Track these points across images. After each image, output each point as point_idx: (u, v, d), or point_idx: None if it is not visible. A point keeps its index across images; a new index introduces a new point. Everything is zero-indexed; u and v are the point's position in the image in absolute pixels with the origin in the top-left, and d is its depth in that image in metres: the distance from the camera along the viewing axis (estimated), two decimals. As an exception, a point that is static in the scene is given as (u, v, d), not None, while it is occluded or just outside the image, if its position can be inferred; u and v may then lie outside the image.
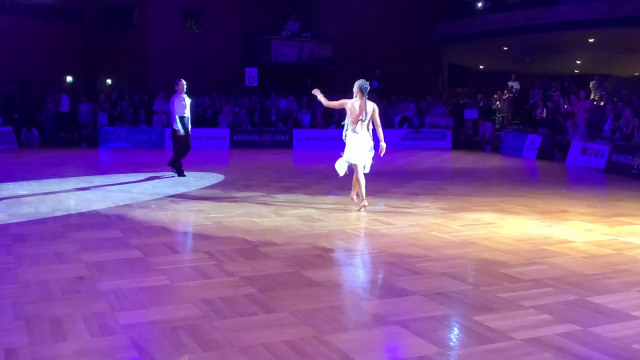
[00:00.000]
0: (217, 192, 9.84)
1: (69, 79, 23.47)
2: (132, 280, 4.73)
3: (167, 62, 23.10)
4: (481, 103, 23.75)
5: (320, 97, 8.37)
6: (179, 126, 11.38)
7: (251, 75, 22.66)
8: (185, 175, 11.61)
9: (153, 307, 4.13)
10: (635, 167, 12.82)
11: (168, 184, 10.79)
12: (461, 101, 25.32)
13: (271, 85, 23.70)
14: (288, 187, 10.36)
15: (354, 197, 8.36)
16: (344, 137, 8.12)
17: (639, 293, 4.55)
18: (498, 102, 23.92)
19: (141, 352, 3.39)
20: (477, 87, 28.87)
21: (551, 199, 9.29)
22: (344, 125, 8.20)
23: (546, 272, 5.07)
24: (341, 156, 8.13)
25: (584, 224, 7.23)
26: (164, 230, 6.71)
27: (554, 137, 17.34)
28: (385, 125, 21.82)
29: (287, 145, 20.93)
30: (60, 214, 7.58)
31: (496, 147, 19.91)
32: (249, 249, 5.82)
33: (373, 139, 8.05)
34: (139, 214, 7.67)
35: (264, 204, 8.55)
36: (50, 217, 7.36)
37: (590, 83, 21.46)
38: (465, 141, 21.64)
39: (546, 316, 3.99)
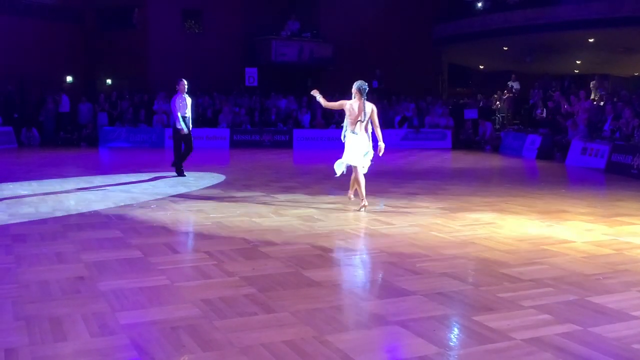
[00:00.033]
0: (217, 192, 9.84)
1: (69, 79, 23.47)
2: (132, 280, 4.73)
3: (167, 62, 23.11)
4: (481, 103, 23.76)
5: (319, 98, 8.38)
6: (182, 125, 11.39)
7: (251, 75, 22.67)
8: (185, 175, 11.61)
9: (153, 307, 4.13)
10: (635, 167, 12.82)
11: (168, 184, 10.80)
12: (461, 101, 25.33)
13: (271, 85, 23.71)
14: (288, 187, 10.36)
15: (351, 196, 8.37)
16: (342, 139, 8.13)
17: (639, 293, 4.56)
18: (498, 102, 23.92)
19: (141, 352, 3.39)
20: (477, 87, 28.89)
21: (551, 199, 9.29)
22: (343, 126, 8.21)
23: (546, 272, 5.07)
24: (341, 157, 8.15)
25: (584, 224, 7.23)
26: (164, 230, 6.71)
27: (554, 137, 17.35)
28: (385, 125, 21.94)
29: (287, 145, 20.93)
30: (61, 214, 7.58)
31: (496, 147, 19.91)
32: (249, 249, 5.82)
33: (372, 140, 8.06)
34: (139, 214, 7.67)
35: (264, 204, 8.55)
36: (51, 217, 7.37)
37: (591, 83, 21.47)
38: (465, 141, 21.65)
39: (546, 316, 3.99)
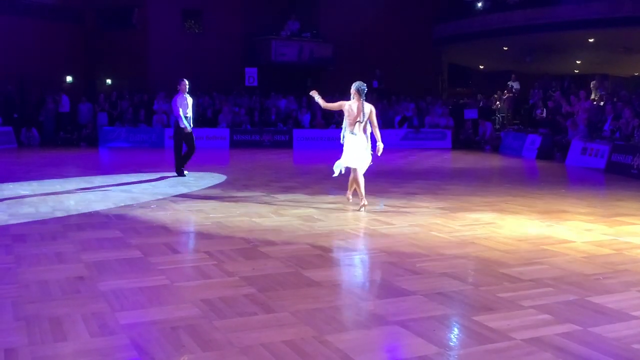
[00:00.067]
0: (217, 192, 9.84)
1: (69, 79, 23.47)
2: (132, 280, 4.73)
3: (167, 62, 23.11)
4: (481, 103, 23.76)
5: (318, 99, 8.39)
6: (186, 123, 11.41)
7: (251, 75, 22.67)
8: (185, 175, 11.61)
9: (153, 307, 4.13)
10: (635, 167, 12.82)
11: (168, 184, 10.80)
12: (461, 101, 25.34)
13: (271, 85, 23.71)
14: (288, 187, 10.36)
15: (350, 197, 8.38)
16: (342, 140, 8.14)
17: (639, 293, 4.56)
18: (498, 102, 23.92)
19: (141, 352, 3.39)
20: (477, 87, 28.88)
21: (551, 199, 9.29)
22: (343, 126, 8.22)
23: (546, 272, 5.07)
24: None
25: (584, 224, 7.23)
26: (164, 230, 6.71)
27: (553, 137, 17.35)
28: (385, 125, 21.97)
29: (287, 145, 20.93)
30: (61, 214, 7.58)
31: (496, 147, 19.91)
32: (249, 249, 5.82)
33: (371, 140, 8.08)
34: (139, 214, 7.67)
35: (264, 204, 8.55)
36: (50, 217, 7.36)
37: (591, 83, 21.47)
38: (465, 141, 21.65)
39: (546, 316, 3.99)
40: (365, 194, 8.03)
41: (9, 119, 20.39)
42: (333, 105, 8.39)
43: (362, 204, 7.98)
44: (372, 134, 8.10)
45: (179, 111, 11.37)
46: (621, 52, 23.99)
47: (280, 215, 7.65)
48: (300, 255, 5.60)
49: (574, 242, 6.24)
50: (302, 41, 25.21)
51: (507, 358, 3.36)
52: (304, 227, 6.91)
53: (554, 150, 16.85)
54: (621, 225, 7.16)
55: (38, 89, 21.35)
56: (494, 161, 17.16)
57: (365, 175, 8.16)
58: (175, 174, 11.73)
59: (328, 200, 8.82)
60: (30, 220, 7.17)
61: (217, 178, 11.62)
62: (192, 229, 7.09)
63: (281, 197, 9.22)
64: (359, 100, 7.91)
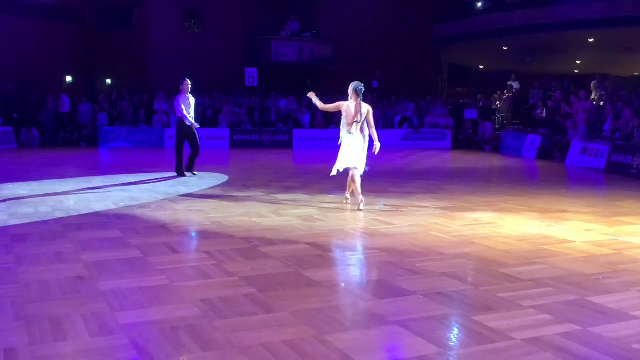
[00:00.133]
0: (217, 192, 9.84)
1: (69, 79, 23.46)
2: (131, 280, 4.73)
3: (167, 62, 23.11)
4: (481, 103, 23.76)
5: (316, 100, 8.41)
6: (192, 120, 11.44)
7: (251, 75, 22.66)
8: (185, 176, 11.61)
9: (153, 307, 4.13)
10: (635, 167, 12.82)
11: (168, 184, 10.80)
12: (461, 101, 25.34)
13: (271, 85, 23.70)
14: (288, 187, 10.36)
15: (348, 197, 8.39)
16: (340, 140, 8.17)
17: (639, 293, 4.56)
18: (498, 102, 23.92)
19: (141, 352, 3.39)
20: (477, 87, 28.90)
21: (551, 199, 9.29)
22: (339, 126, 8.27)
23: (546, 272, 5.07)
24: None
25: (583, 224, 7.23)
26: (164, 230, 6.71)
27: (553, 137, 17.35)
28: (385, 125, 21.99)
29: (287, 145, 20.93)
30: (60, 214, 7.57)
31: (496, 147, 19.91)
32: (249, 249, 5.82)
33: (368, 140, 8.12)
34: (138, 214, 7.67)
35: (264, 204, 8.55)
36: (50, 217, 7.36)
37: (592, 83, 21.48)
38: (465, 141, 21.65)
39: (546, 316, 3.99)
40: (366, 193, 8.03)
41: (9, 119, 20.39)
42: (331, 107, 8.40)
43: (359, 200, 8.01)
44: (370, 135, 8.13)
45: (182, 111, 11.37)
46: (621, 52, 23.99)
47: (280, 215, 7.65)
48: (300, 255, 5.60)
49: (574, 242, 6.24)
50: (302, 41, 25.21)
51: (507, 358, 3.36)
52: (304, 227, 6.91)
53: (553, 150, 16.85)
54: (621, 225, 7.16)
55: (38, 89, 21.35)
56: (494, 161, 17.16)
57: (365, 175, 8.17)
58: (175, 173, 11.73)
59: (328, 200, 8.82)
60: (30, 220, 7.17)
61: (217, 178, 11.62)
62: (192, 229, 7.09)
63: (281, 197, 9.22)
64: (356, 100, 7.93)
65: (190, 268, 5.21)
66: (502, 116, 23.49)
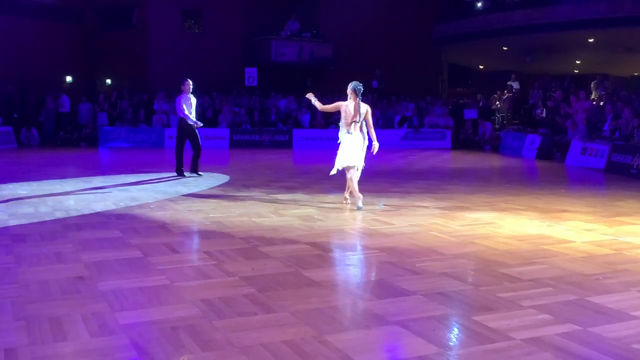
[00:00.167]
0: (216, 191, 9.84)
1: (69, 79, 23.47)
2: (131, 280, 4.73)
3: (167, 62, 23.11)
4: (481, 103, 23.76)
5: (315, 101, 8.43)
6: (194, 119, 11.46)
7: (251, 75, 22.66)
8: (184, 176, 11.61)
9: (153, 307, 4.13)
10: (634, 167, 12.82)
11: (168, 184, 10.80)
12: (461, 101, 25.34)
13: (271, 85, 23.71)
14: (288, 187, 10.36)
15: (347, 197, 8.40)
16: (340, 139, 8.19)
17: (639, 293, 4.56)
18: (498, 102, 23.92)
19: (141, 352, 3.39)
20: (477, 87, 28.89)
21: (551, 199, 9.29)
22: (338, 126, 8.28)
23: (546, 272, 5.07)
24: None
25: (583, 223, 7.23)
26: (164, 230, 6.71)
27: (553, 137, 17.35)
28: (385, 125, 21.99)
29: (287, 145, 20.93)
30: (60, 214, 7.57)
31: (496, 147, 19.91)
32: (249, 249, 5.82)
33: (367, 140, 8.15)
34: (138, 214, 7.67)
35: (264, 204, 8.55)
36: (50, 217, 7.36)
37: (592, 83, 21.48)
38: (464, 141, 21.65)
39: (546, 316, 3.99)
40: (366, 193, 8.04)
41: (9, 119, 20.39)
42: (330, 107, 8.41)
43: (357, 197, 8.03)
44: (368, 134, 8.16)
45: (183, 111, 11.38)
46: (621, 52, 23.99)
47: (280, 215, 7.65)
48: (300, 255, 5.60)
49: (574, 242, 6.24)
50: (302, 41, 25.21)
51: (507, 358, 3.36)
52: (304, 227, 6.91)
53: (553, 150, 16.86)
54: (621, 225, 7.16)
55: (38, 89, 21.35)
56: (494, 161, 17.16)
57: (365, 175, 8.18)
58: (175, 173, 11.74)
59: (328, 200, 8.82)
60: (30, 220, 7.17)
61: (217, 178, 11.62)
62: (192, 229, 7.09)
63: (281, 197, 9.22)
64: (355, 100, 7.95)
65: (190, 268, 5.21)
66: (502, 116, 23.50)
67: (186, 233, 6.85)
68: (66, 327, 3.73)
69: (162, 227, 6.85)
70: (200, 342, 3.52)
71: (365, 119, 8.06)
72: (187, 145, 11.71)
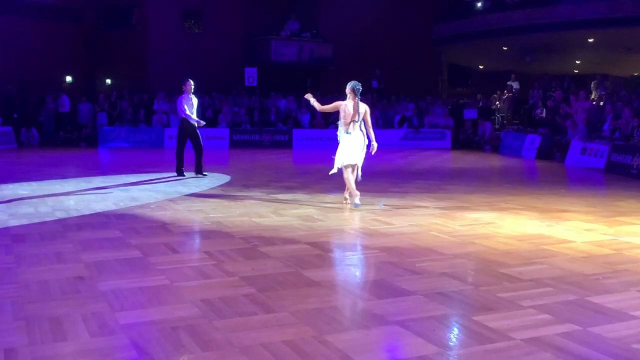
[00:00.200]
0: (216, 191, 9.84)
1: (69, 79, 23.47)
2: (131, 280, 4.73)
3: (167, 62, 23.11)
4: (481, 103, 23.77)
5: (313, 102, 8.44)
6: (196, 118, 11.47)
7: (251, 75, 22.66)
8: (185, 176, 11.61)
9: (153, 307, 4.13)
10: (634, 167, 12.82)
11: (168, 184, 10.80)
12: (461, 101, 25.34)
13: (271, 85, 23.71)
14: (288, 187, 10.37)
15: (347, 197, 8.41)
16: (339, 139, 8.21)
17: (639, 293, 4.56)
18: (498, 102, 23.93)
19: (141, 352, 3.39)
20: (477, 87, 28.89)
21: (551, 199, 9.29)
22: (337, 126, 8.30)
23: (546, 272, 5.07)
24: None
25: (583, 223, 7.23)
26: (164, 230, 6.71)
27: (553, 137, 17.35)
28: (385, 125, 22.00)
29: (287, 145, 20.93)
30: (60, 214, 7.57)
31: (496, 147, 19.92)
32: (249, 249, 5.82)
33: (367, 138, 8.16)
34: (138, 214, 7.67)
35: (264, 203, 8.55)
36: (50, 217, 7.36)
37: (592, 83, 21.48)
38: (464, 141, 21.65)
39: (546, 316, 3.99)
40: (366, 193, 8.05)
41: (8, 119, 20.39)
42: (329, 107, 8.42)
43: (354, 195, 8.05)
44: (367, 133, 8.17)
45: (185, 111, 11.37)
46: (621, 52, 24.00)
47: (280, 215, 7.65)
48: (300, 255, 5.60)
49: (574, 242, 6.25)
50: (302, 41, 25.21)
51: (506, 358, 3.36)
52: (304, 227, 6.91)
53: (553, 150, 16.86)
54: (621, 225, 7.16)
55: (38, 89, 21.34)
56: (494, 161, 17.16)
57: (365, 175, 8.19)
58: (175, 173, 11.74)
59: (328, 200, 8.82)
60: (30, 220, 7.17)
61: (217, 178, 11.62)
62: (192, 229, 7.09)
63: (281, 196, 9.22)
64: (354, 99, 7.96)
65: (190, 268, 5.20)
66: (501, 116, 23.50)
67: (186, 233, 6.85)
68: (66, 327, 3.73)
69: (162, 227, 6.85)
70: (200, 342, 3.52)
71: (364, 119, 8.08)
72: (188, 145, 11.71)
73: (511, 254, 5.68)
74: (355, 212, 7.89)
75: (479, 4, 25.75)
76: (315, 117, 22.06)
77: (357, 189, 8.28)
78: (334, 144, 8.50)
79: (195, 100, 11.67)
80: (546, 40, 23.04)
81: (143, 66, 23.60)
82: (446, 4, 27.23)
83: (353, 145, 8.02)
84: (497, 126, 22.67)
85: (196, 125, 11.52)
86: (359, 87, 8.03)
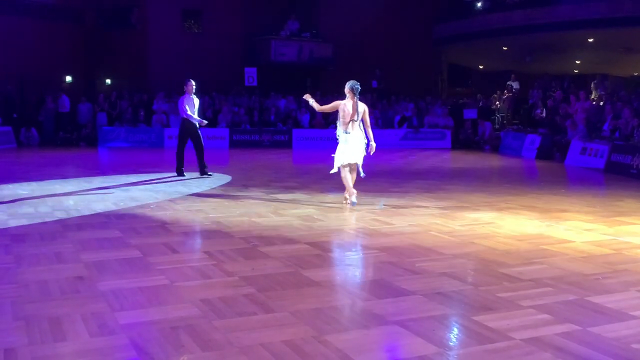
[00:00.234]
0: (216, 191, 9.84)
1: (69, 79, 23.47)
2: (131, 280, 4.73)
3: (166, 62, 23.11)
4: (480, 103, 23.77)
5: (312, 102, 8.44)
6: (197, 118, 11.48)
7: (250, 75, 22.64)
8: (185, 176, 11.61)
9: (152, 307, 4.13)
10: (634, 167, 12.82)
11: (168, 184, 10.80)
12: (460, 101, 25.35)
13: (270, 85, 23.71)
14: (287, 187, 10.36)
15: (347, 196, 8.42)
16: (337, 137, 8.22)
17: (638, 293, 4.56)
18: (497, 102, 23.94)
19: (140, 352, 3.39)
20: (477, 87, 28.89)
21: (551, 199, 9.29)
22: (336, 125, 8.32)
23: (545, 271, 5.07)
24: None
25: (583, 223, 7.23)
26: (164, 230, 6.71)
27: (553, 137, 17.35)
28: (385, 125, 22.00)
29: (287, 145, 20.93)
30: (60, 214, 7.57)
31: (495, 147, 19.92)
32: (249, 248, 5.82)
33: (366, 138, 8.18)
34: (138, 214, 7.67)
35: (264, 203, 8.55)
36: (50, 217, 7.36)
37: (592, 83, 21.48)
38: (464, 141, 21.66)
39: (545, 316, 3.99)
40: (366, 193, 8.06)
41: (8, 119, 20.38)
42: (328, 107, 8.44)
43: (351, 193, 8.07)
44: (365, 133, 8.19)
45: (186, 111, 11.37)
46: (621, 52, 23.99)
47: (280, 215, 7.66)
48: (300, 255, 5.60)
49: (574, 242, 6.25)
50: (302, 41, 25.21)
51: (506, 358, 3.36)
52: (304, 227, 6.91)
53: (553, 150, 16.86)
54: (621, 225, 7.17)
55: (38, 89, 21.34)
56: (494, 161, 17.16)
57: (364, 175, 8.20)
58: (175, 173, 11.74)
59: (327, 200, 8.82)
60: (29, 220, 7.17)
61: (217, 178, 11.62)
62: (191, 229, 7.09)
63: (281, 196, 9.22)
64: (353, 98, 7.98)
65: (190, 268, 5.20)
66: (501, 116, 23.51)
67: (186, 233, 6.85)
68: (66, 327, 3.73)
69: (162, 227, 6.85)
70: (200, 342, 3.52)
71: (362, 119, 8.09)
72: (188, 145, 11.71)
73: (511, 254, 5.68)
74: (355, 212, 7.89)
75: (479, 4, 25.75)
76: (315, 117, 22.06)
77: (357, 188, 8.29)
78: (333, 143, 8.51)
79: (197, 101, 11.68)
80: (546, 40, 23.04)
81: (143, 66, 23.60)
82: (446, 4, 27.23)
83: (353, 144, 8.03)
84: (497, 126, 22.68)
85: (198, 125, 11.53)
86: (358, 86, 8.05)
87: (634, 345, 3.53)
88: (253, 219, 7.32)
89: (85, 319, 3.85)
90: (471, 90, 29.00)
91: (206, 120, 11.88)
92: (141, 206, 8.29)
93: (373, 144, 8.07)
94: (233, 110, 21.95)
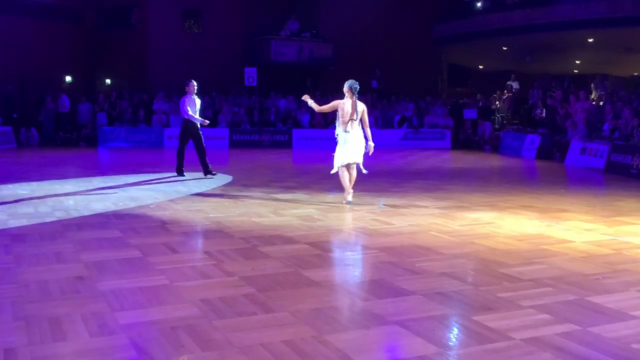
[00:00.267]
0: (216, 191, 9.84)
1: (69, 79, 23.46)
2: (131, 280, 4.73)
3: (166, 62, 23.10)
4: (480, 103, 23.77)
5: (311, 102, 8.45)
6: (199, 118, 11.47)
7: (250, 75, 22.64)
8: (184, 176, 11.61)
9: (152, 307, 4.13)
10: (634, 167, 12.82)
11: (168, 184, 10.80)
12: (460, 101, 25.35)
13: (270, 85, 23.71)
14: (287, 187, 10.37)
15: (346, 196, 8.42)
16: (336, 137, 8.24)
17: (638, 293, 4.56)
18: (497, 102, 23.93)
19: (140, 352, 3.39)
20: (477, 87, 28.89)
21: (551, 199, 9.29)
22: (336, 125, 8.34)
23: (545, 271, 5.07)
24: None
25: (583, 223, 7.23)
26: (163, 230, 6.71)
27: (553, 137, 17.36)
28: (385, 125, 22.00)
29: (287, 145, 20.93)
30: (60, 214, 7.57)
31: (495, 147, 19.92)
32: (249, 248, 5.82)
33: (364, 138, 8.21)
34: (138, 214, 7.67)
35: (264, 203, 8.55)
36: (50, 217, 7.36)
37: (592, 83, 21.47)
38: (464, 141, 21.65)
39: (545, 316, 3.99)
40: (366, 193, 8.06)
41: (8, 119, 20.38)
42: (326, 107, 8.45)
43: (348, 192, 8.05)
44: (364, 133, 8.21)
45: (187, 112, 11.37)
46: (621, 52, 23.99)
47: (280, 215, 7.66)
48: (300, 255, 5.60)
49: (574, 242, 6.25)
50: (302, 41, 25.20)
51: (506, 358, 3.36)
52: (304, 226, 6.91)
53: (553, 150, 16.86)
54: (621, 225, 7.16)
55: (38, 89, 21.34)
56: (494, 161, 17.16)
57: (364, 174, 8.20)
58: (175, 173, 11.74)
59: (327, 200, 8.82)
60: (29, 220, 7.17)
61: (217, 178, 11.61)
62: (191, 229, 7.09)
63: (281, 196, 9.22)
64: (351, 98, 7.99)
65: (190, 268, 5.20)
66: (501, 116, 23.50)
67: (186, 233, 6.85)
68: (66, 327, 3.73)
69: (162, 227, 6.85)
70: (200, 342, 3.52)
71: (361, 118, 8.10)
72: (189, 145, 11.71)
73: (511, 254, 5.68)
74: (355, 212, 7.89)
75: (479, 4, 25.75)
76: (315, 117, 22.05)
77: (357, 188, 8.30)
78: (333, 143, 8.51)
79: (198, 101, 11.69)
80: (546, 40, 23.04)
81: (143, 66, 23.60)
82: (446, 4, 27.23)
83: (352, 144, 8.04)
84: (496, 126, 22.67)
85: (200, 124, 11.54)
86: (357, 85, 8.07)
87: (634, 345, 3.53)
88: (253, 219, 7.32)
89: (85, 319, 3.85)
90: (471, 90, 29.00)
91: (208, 120, 11.89)
92: (141, 206, 8.29)
93: (372, 143, 8.10)
94: (233, 110, 21.95)
